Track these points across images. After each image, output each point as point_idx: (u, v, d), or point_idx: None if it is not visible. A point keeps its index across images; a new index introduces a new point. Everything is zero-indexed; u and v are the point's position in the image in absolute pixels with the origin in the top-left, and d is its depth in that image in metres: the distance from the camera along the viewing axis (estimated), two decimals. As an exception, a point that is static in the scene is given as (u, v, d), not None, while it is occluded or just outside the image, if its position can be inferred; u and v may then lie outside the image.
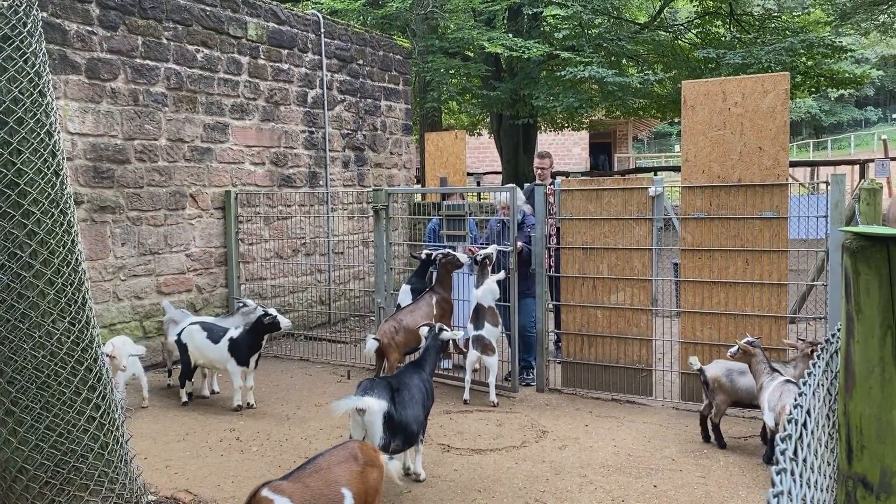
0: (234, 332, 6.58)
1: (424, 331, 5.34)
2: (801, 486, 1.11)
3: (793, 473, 1.03)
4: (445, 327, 5.41)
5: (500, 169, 20.91)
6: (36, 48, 3.87)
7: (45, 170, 3.86)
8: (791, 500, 0.92)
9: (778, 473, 0.88)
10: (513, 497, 4.70)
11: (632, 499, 4.68)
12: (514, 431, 6.00)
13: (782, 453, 0.97)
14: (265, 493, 3.35)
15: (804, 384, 1.43)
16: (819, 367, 1.51)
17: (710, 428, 5.61)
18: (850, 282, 1.49)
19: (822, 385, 1.49)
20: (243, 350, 6.52)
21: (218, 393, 7.15)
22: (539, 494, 4.74)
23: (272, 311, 6.50)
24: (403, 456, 5.00)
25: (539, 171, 8.27)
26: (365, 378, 4.83)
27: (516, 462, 5.31)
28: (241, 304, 7.17)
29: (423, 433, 4.94)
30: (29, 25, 3.82)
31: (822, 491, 1.37)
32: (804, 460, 1.18)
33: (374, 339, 6.45)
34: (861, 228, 1.47)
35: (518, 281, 7.10)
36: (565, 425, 6.10)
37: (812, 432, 1.26)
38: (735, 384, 5.45)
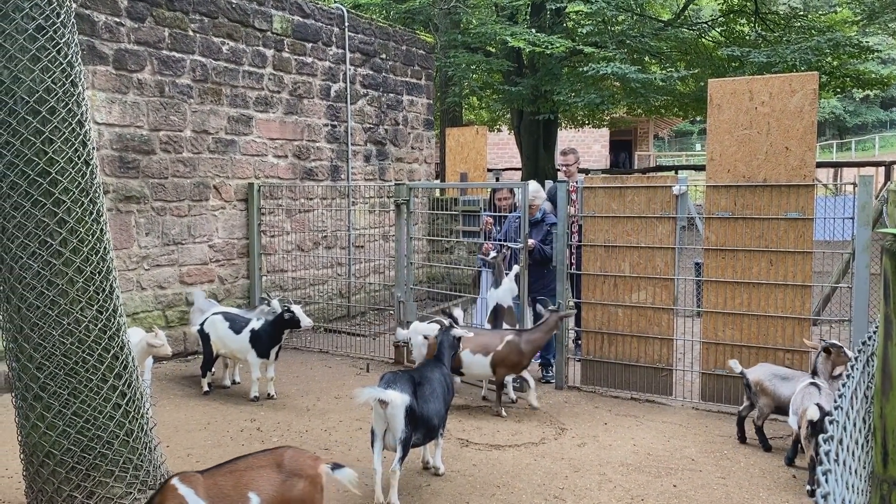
0: (255, 324, 6.63)
1: (435, 328, 5.31)
2: (841, 486, 1.11)
3: (833, 474, 1.03)
4: (455, 324, 5.42)
5: (519, 165, 20.87)
6: (69, 38, 3.91)
7: (76, 159, 3.91)
8: (834, 500, 0.92)
9: (824, 474, 0.88)
10: (532, 493, 4.71)
11: (651, 498, 4.67)
12: (533, 428, 6.00)
13: (826, 454, 0.97)
14: (174, 481, 3.42)
15: (843, 385, 1.42)
16: (857, 369, 1.51)
17: (754, 430, 5.54)
18: (890, 284, 1.48)
19: (859, 388, 1.48)
20: (264, 342, 6.57)
21: (239, 383, 7.20)
22: (558, 491, 4.74)
23: (295, 308, 6.52)
24: (423, 450, 5.03)
25: (564, 168, 8.18)
26: (387, 371, 4.85)
27: (535, 458, 5.31)
28: (265, 302, 7.17)
29: (443, 427, 4.95)
30: (62, 16, 3.87)
31: (857, 494, 1.36)
32: (843, 462, 1.17)
33: (425, 336, 6.16)
34: (902, 230, 1.46)
35: (531, 280, 7.01)
36: (584, 423, 6.09)
37: (850, 434, 1.26)
38: (777, 390, 5.36)
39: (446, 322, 5.41)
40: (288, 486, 3.48)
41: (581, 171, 21.08)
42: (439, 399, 4.76)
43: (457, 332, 5.30)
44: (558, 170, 8.30)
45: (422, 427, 4.56)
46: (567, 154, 8.23)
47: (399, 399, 4.38)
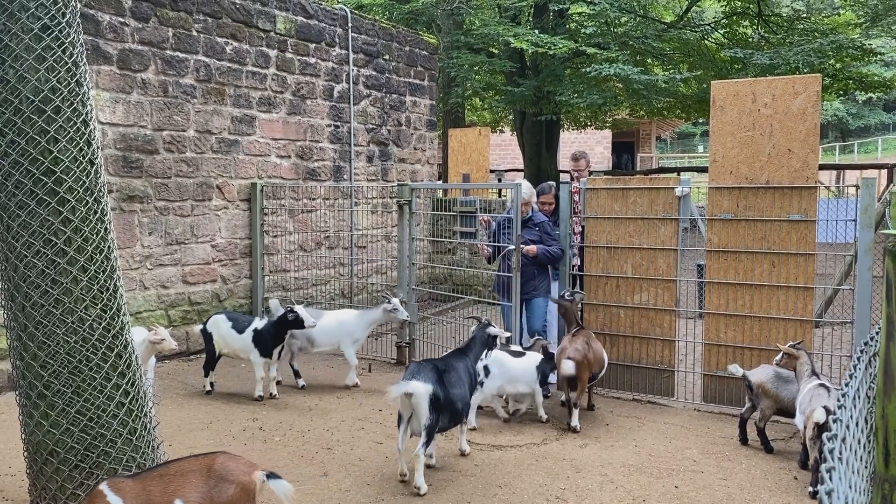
0: (258, 324, 6.65)
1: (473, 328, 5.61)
2: (844, 485, 1.11)
3: (837, 472, 1.04)
4: (493, 323, 5.60)
5: (521, 166, 20.87)
6: (74, 38, 3.93)
7: (81, 158, 3.93)
8: (838, 499, 0.93)
9: (828, 471, 0.89)
10: (533, 493, 4.72)
11: (653, 498, 4.67)
12: (535, 429, 6.01)
13: (830, 452, 0.98)
14: (102, 486, 3.39)
15: (846, 385, 1.43)
16: (859, 370, 1.51)
17: (755, 432, 5.55)
18: (892, 285, 1.49)
19: (862, 388, 1.49)
20: (267, 342, 6.59)
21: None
22: (560, 492, 4.75)
23: (298, 308, 6.54)
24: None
25: (576, 174, 7.97)
26: (412, 361, 5.02)
27: (537, 459, 5.32)
28: (386, 302, 7.12)
29: (467, 413, 5.26)
30: (67, 15, 3.89)
31: (859, 493, 1.37)
32: (846, 461, 1.18)
33: (569, 358, 5.93)
34: (905, 232, 1.46)
35: (522, 281, 6.85)
36: (586, 424, 6.09)
37: (853, 434, 1.26)
38: (780, 391, 5.38)
39: (483, 320, 5.61)
40: (217, 492, 3.42)
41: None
42: (464, 385, 5.03)
43: (492, 330, 5.46)
44: (565, 172, 8.15)
45: (447, 412, 4.82)
46: (578, 159, 8.04)
47: (422, 389, 4.64)
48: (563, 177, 20.25)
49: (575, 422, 5.95)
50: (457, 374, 5.00)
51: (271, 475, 3.55)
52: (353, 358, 7.10)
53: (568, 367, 5.84)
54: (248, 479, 3.48)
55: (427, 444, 4.72)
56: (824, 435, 1.11)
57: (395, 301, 7.10)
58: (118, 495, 3.35)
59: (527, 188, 7.13)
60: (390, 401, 4.71)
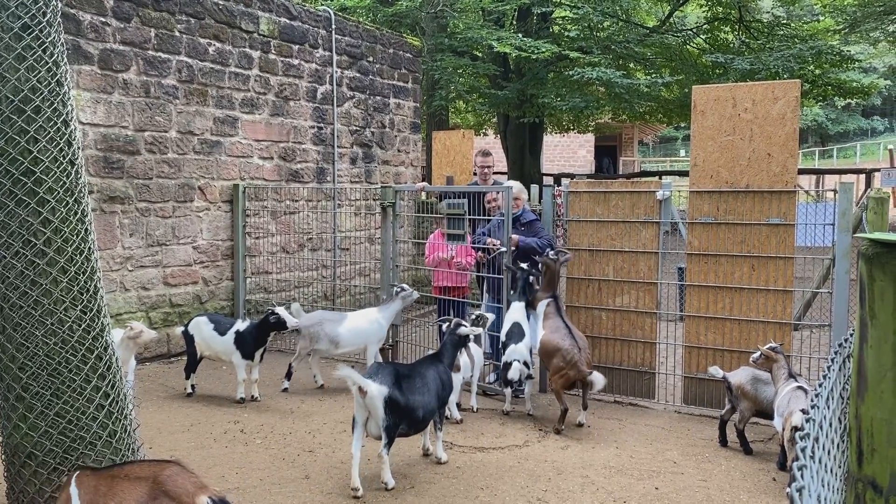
0: (240, 326, 6.63)
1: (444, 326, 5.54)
2: (817, 483, 1.14)
3: (808, 469, 1.06)
4: (464, 322, 5.51)
5: (505, 169, 20.93)
6: (55, 38, 3.90)
7: (61, 159, 3.89)
8: (809, 496, 0.95)
9: (799, 469, 0.91)
10: (515, 495, 4.73)
11: (633, 500, 4.70)
12: (517, 431, 6.03)
13: (802, 450, 1.00)
14: (76, 475, 3.50)
15: (819, 386, 1.46)
16: (833, 370, 1.54)
17: (734, 434, 5.60)
18: (865, 287, 1.52)
19: (835, 388, 1.51)
20: (249, 343, 6.57)
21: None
22: (541, 493, 4.77)
23: (280, 310, 6.53)
24: (423, 438, 5.32)
25: (486, 170, 7.83)
26: (375, 362, 4.97)
27: (519, 461, 5.33)
28: (398, 290, 7.16)
29: (440, 422, 5.19)
30: (48, 15, 3.86)
31: (832, 492, 1.40)
32: (819, 460, 1.20)
33: (590, 371, 6.04)
34: (878, 235, 1.49)
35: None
36: (568, 426, 6.11)
37: (827, 433, 1.29)
38: (759, 393, 5.43)
39: (454, 320, 5.54)
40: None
41: (565, 175, 21.19)
42: (431, 393, 4.90)
43: (463, 330, 5.40)
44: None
45: (406, 418, 4.73)
46: (487, 155, 7.97)
47: (376, 390, 4.58)
48: (547, 180, 20.35)
49: (583, 419, 6.15)
50: (422, 381, 4.89)
51: (221, 502, 3.29)
52: (378, 357, 7.06)
53: (600, 382, 5.99)
54: (189, 500, 3.22)
55: (388, 445, 4.68)
56: (796, 434, 1.13)
57: (407, 287, 7.19)
58: (78, 487, 3.43)
59: (517, 185, 7.21)
60: (336, 376, 4.69)
